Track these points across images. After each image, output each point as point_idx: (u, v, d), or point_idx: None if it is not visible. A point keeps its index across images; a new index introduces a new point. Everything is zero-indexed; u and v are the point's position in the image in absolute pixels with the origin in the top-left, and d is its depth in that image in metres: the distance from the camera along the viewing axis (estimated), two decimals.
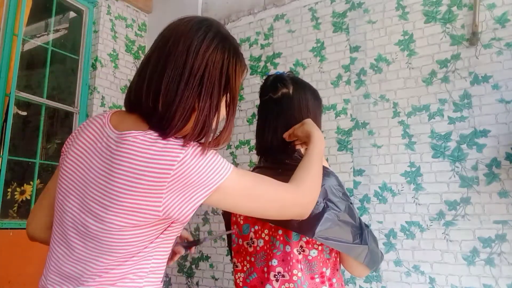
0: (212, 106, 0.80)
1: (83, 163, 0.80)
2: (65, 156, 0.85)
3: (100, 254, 0.76)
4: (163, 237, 0.81)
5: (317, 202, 0.99)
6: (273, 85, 1.17)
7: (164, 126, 0.77)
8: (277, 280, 1.02)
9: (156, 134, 0.76)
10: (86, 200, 0.78)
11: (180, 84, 0.77)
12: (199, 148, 0.77)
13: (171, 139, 0.76)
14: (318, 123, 1.21)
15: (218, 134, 0.83)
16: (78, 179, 0.80)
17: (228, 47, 0.84)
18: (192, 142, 0.77)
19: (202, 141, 0.80)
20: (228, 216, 1.22)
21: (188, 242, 1.19)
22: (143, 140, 0.74)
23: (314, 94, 1.22)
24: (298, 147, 1.16)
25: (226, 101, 0.86)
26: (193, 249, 1.23)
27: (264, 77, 1.24)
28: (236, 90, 0.87)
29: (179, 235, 0.87)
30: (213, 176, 0.76)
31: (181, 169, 0.73)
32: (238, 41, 3.07)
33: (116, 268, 0.77)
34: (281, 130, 1.14)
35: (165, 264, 0.85)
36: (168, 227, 0.81)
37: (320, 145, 1.03)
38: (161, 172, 0.72)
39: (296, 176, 0.94)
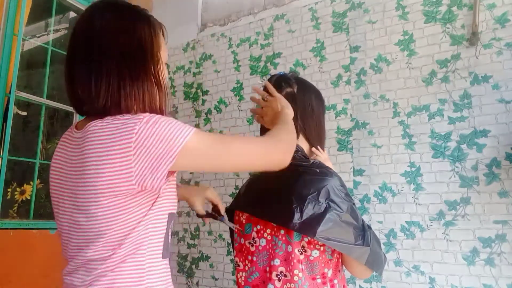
0: (133, 76, 0.84)
1: (63, 170, 0.86)
2: (50, 170, 0.91)
3: (89, 242, 0.80)
4: (151, 215, 0.83)
5: (319, 202, 0.99)
6: (277, 84, 1.17)
7: (108, 110, 0.82)
8: (279, 280, 1.02)
9: (112, 117, 0.81)
10: (74, 201, 0.82)
11: (92, 68, 0.83)
12: (154, 117, 0.79)
13: (126, 115, 0.80)
14: (321, 122, 1.21)
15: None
16: (63, 185, 0.86)
17: (127, 15, 0.86)
18: (145, 114, 0.80)
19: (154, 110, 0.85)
20: (231, 214, 1.22)
21: (208, 213, 1.25)
22: (101, 125, 0.79)
23: (317, 94, 1.22)
24: (314, 156, 1.16)
25: (151, 66, 0.87)
26: (207, 220, 1.27)
27: (265, 78, 1.24)
28: (155, 53, 0.87)
29: (170, 211, 0.87)
30: (174, 140, 0.77)
31: (140, 140, 0.76)
32: (238, 41, 3.07)
33: (112, 254, 0.79)
34: None
35: (162, 241, 0.86)
36: (153, 204, 0.83)
37: (290, 120, 1.05)
38: (123, 147, 0.76)
39: (270, 132, 0.97)
